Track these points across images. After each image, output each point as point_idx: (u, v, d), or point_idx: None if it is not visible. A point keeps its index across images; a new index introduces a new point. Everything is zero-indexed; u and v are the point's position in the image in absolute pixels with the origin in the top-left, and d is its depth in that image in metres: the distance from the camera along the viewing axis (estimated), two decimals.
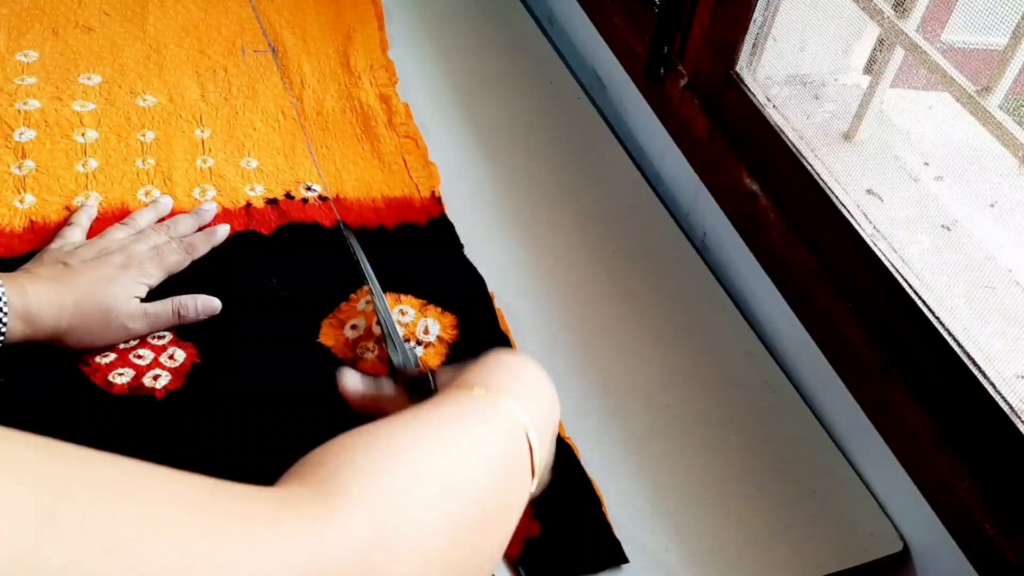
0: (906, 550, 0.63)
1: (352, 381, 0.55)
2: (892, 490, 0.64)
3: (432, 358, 0.66)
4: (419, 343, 0.66)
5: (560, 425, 0.64)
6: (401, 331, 0.65)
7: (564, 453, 0.62)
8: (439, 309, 0.69)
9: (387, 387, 0.56)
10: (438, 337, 0.67)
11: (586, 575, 0.57)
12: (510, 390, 0.45)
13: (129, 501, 0.27)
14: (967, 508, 0.55)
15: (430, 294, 0.69)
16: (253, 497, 0.31)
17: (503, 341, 0.69)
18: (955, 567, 0.58)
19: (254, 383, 0.62)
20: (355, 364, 0.63)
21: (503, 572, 0.57)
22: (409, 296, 0.69)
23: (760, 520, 0.62)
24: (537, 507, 0.58)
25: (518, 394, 0.45)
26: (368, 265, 0.67)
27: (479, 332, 0.69)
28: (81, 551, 0.25)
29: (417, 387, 0.54)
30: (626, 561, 0.58)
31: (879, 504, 0.65)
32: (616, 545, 0.58)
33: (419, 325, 0.67)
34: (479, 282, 0.73)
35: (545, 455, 0.46)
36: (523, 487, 0.44)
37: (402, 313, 0.68)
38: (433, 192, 0.79)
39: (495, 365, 0.48)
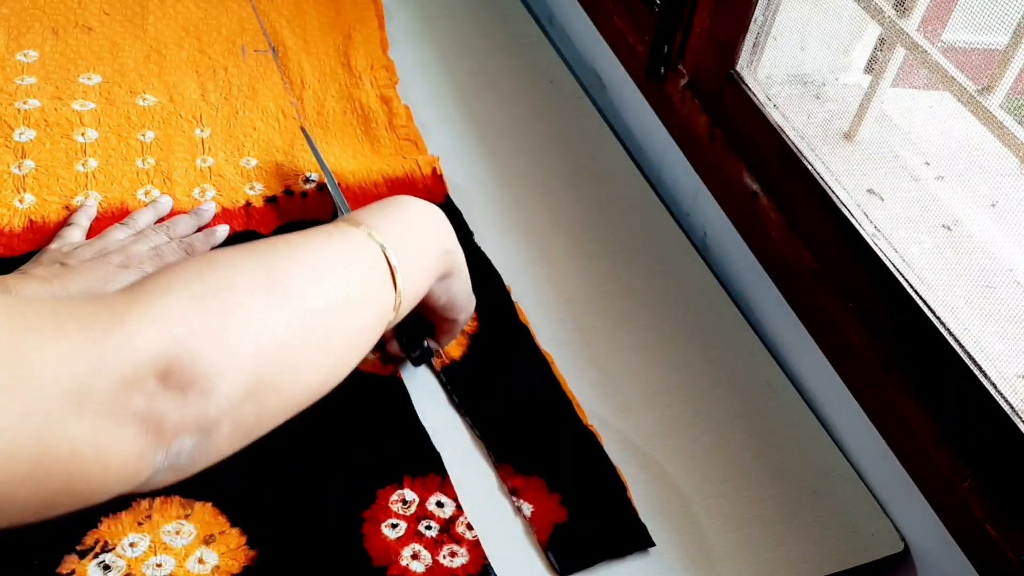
0: (907, 550, 0.63)
1: None
2: (893, 490, 0.64)
3: (454, 349, 0.67)
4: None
5: (582, 413, 0.64)
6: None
7: (588, 440, 0.63)
8: None
9: None
10: None
11: (612, 558, 0.58)
12: (375, 222, 0.51)
13: None
14: (968, 508, 0.55)
15: None
16: (81, 305, 0.37)
17: (522, 331, 0.69)
18: (956, 567, 0.58)
19: None
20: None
21: (533, 558, 0.57)
22: None
23: (761, 520, 0.62)
24: (564, 493, 0.60)
25: (384, 224, 0.51)
26: (318, 151, 0.75)
27: (498, 320, 0.70)
28: None
29: None
30: (652, 544, 0.58)
31: (880, 504, 0.65)
32: (642, 529, 0.59)
33: None
34: (491, 269, 0.73)
35: (417, 275, 0.53)
36: (377, 304, 0.49)
37: None
38: (435, 169, 0.78)
39: (374, 206, 0.55)
